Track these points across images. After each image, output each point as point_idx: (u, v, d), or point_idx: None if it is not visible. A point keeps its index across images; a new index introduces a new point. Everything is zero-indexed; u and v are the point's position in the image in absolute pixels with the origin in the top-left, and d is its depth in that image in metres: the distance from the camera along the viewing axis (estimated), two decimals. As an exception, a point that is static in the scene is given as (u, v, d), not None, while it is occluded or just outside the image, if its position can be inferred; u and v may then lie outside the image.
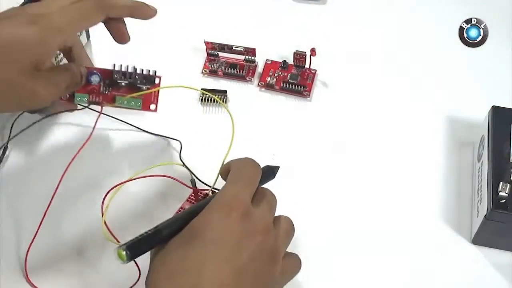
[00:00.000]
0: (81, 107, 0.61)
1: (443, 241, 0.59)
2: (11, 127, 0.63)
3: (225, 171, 0.52)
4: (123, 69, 0.60)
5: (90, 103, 0.60)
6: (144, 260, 0.49)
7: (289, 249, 0.57)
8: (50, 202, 0.57)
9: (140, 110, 0.61)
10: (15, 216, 0.59)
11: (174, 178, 0.57)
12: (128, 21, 0.60)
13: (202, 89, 0.66)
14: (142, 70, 0.60)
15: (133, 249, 0.45)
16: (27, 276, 0.55)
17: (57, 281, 0.55)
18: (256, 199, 0.50)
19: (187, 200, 0.59)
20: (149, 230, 0.47)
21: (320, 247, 0.58)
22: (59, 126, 0.64)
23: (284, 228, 0.51)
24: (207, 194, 0.57)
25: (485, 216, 0.55)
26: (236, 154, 0.62)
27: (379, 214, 0.60)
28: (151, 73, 0.60)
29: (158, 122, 0.64)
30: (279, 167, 0.54)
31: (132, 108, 0.61)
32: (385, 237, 0.59)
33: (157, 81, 0.60)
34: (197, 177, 0.59)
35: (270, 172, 0.54)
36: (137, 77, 0.60)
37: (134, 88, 0.60)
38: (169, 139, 0.64)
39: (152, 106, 0.61)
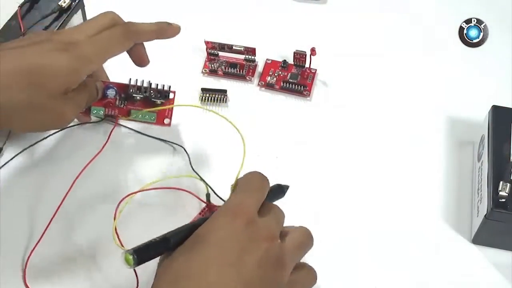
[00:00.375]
0: (97, 119, 0.63)
1: (443, 240, 0.59)
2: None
3: (235, 185, 0.52)
4: (138, 84, 0.62)
5: (106, 116, 0.63)
6: (143, 269, 0.50)
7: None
8: (58, 208, 0.57)
9: (154, 124, 0.64)
10: (23, 221, 0.58)
11: (189, 192, 0.59)
12: (131, 16, 0.61)
13: (202, 88, 0.67)
14: (157, 84, 0.63)
15: (140, 254, 0.46)
16: (25, 281, 0.55)
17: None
18: (262, 211, 0.50)
19: (200, 214, 0.59)
20: (157, 237, 0.47)
21: (320, 246, 0.58)
22: (75, 136, 0.64)
23: (295, 239, 0.50)
24: None
25: (485, 216, 0.55)
26: (236, 152, 0.62)
27: (379, 213, 0.60)
28: (165, 88, 0.63)
29: (167, 131, 0.64)
30: (288, 186, 0.54)
31: (146, 122, 0.64)
32: (385, 237, 0.59)
33: (171, 96, 0.63)
34: (214, 192, 0.58)
35: (279, 190, 0.54)
36: (152, 92, 0.63)
37: (149, 102, 0.63)
38: (176, 145, 0.63)
39: (166, 121, 0.64)
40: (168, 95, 0.63)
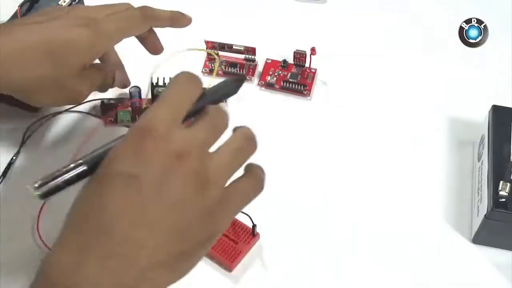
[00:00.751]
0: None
1: (443, 240, 0.59)
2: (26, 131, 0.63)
3: None
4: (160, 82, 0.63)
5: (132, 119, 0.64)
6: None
7: (288, 244, 0.57)
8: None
9: None
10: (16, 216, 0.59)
11: None
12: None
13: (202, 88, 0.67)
14: None
15: (46, 187, 0.41)
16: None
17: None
18: (194, 120, 0.43)
19: None
20: (71, 164, 0.42)
21: (320, 246, 0.58)
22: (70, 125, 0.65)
23: (229, 145, 0.44)
24: None
25: (485, 216, 0.55)
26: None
27: (378, 213, 0.60)
28: None
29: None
30: (243, 78, 0.48)
31: None
32: (385, 237, 0.59)
33: None
34: None
35: (230, 85, 0.47)
36: None
37: None
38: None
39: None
40: None
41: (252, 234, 0.57)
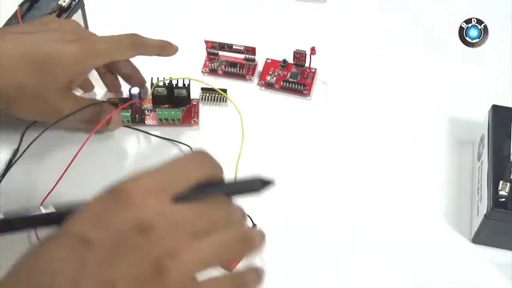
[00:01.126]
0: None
1: (443, 240, 0.59)
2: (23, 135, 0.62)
3: None
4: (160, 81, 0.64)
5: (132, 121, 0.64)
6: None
7: (288, 244, 0.57)
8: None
9: (181, 124, 0.64)
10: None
11: None
12: (131, 15, 0.61)
13: (202, 88, 0.67)
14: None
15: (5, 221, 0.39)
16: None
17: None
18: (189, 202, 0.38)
19: None
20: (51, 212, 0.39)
21: (320, 246, 0.58)
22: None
23: (216, 239, 0.37)
24: None
25: (485, 215, 0.55)
26: (236, 154, 0.62)
27: (378, 213, 0.60)
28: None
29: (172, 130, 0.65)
30: (271, 182, 0.41)
31: (172, 124, 0.64)
32: (385, 236, 0.59)
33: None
34: None
35: (254, 183, 0.40)
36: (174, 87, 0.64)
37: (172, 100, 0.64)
38: (182, 144, 0.63)
39: (194, 120, 0.65)
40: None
41: None
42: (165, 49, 0.62)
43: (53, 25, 0.58)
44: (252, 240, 0.39)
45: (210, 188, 0.39)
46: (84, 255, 0.35)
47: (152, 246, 0.35)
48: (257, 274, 0.40)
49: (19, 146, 0.60)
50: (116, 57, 0.60)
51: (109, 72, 0.64)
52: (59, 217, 0.38)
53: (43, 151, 0.62)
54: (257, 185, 0.40)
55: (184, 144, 0.63)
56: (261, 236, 0.40)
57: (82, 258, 0.35)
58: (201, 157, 0.40)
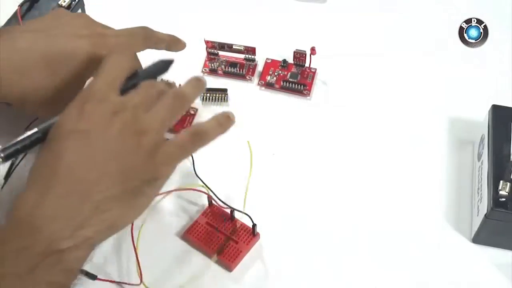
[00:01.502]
0: None
1: (444, 240, 0.59)
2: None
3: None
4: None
5: None
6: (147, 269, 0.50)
7: (288, 244, 0.57)
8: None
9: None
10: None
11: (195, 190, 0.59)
12: (131, 15, 0.60)
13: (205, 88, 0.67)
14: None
15: (8, 150, 0.49)
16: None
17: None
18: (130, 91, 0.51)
19: (202, 214, 0.59)
20: (28, 132, 0.50)
21: (319, 246, 0.58)
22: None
23: (162, 105, 0.50)
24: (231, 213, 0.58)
25: (485, 215, 0.55)
26: (235, 154, 0.62)
27: (379, 213, 0.60)
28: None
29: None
30: (172, 60, 0.54)
31: None
32: (385, 236, 0.59)
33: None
34: (217, 197, 0.58)
35: (160, 65, 0.54)
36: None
37: None
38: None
39: None
40: None
41: (252, 234, 0.57)
42: (174, 43, 0.62)
43: (65, 19, 0.58)
44: (182, 93, 0.52)
45: (134, 78, 0.53)
46: (87, 139, 0.47)
47: (127, 121, 0.48)
48: (192, 84, 0.53)
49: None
50: (130, 52, 0.59)
51: None
52: (44, 134, 0.49)
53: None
54: (162, 65, 0.55)
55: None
56: (191, 86, 0.53)
57: (86, 141, 0.47)
58: (122, 51, 0.54)
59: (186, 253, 0.57)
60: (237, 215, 0.58)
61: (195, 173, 0.60)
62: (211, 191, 0.58)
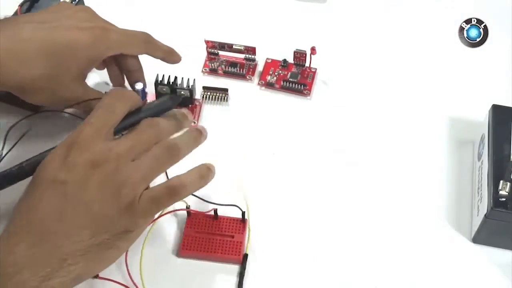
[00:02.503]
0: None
1: (444, 240, 0.59)
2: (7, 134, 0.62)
3: None
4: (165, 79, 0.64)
5: None
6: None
7: (289, 244, 0.57)
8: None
9: None
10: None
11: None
12: (131, 15, 0.60)
13: (203, 87, 0.67)
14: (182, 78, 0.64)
15: None
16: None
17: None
18: (125, 134, 0.50)
19: (187, 227, 0.58)
20: (14, 166, 0.50)
21: (319, 246, 0.58)
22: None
23: (149, 156, 0.49)
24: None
25: (485, 215, 0.55)
26: (236, 153, 0.62)
27: (379, 213, 0.60)
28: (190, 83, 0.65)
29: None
30: (180, 96, 0.54)
31: None
32: (386, 236, 0.59)
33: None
34: (200, 198, 0.58)
35: (166, 101, 0.53)
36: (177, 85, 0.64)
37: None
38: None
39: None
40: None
41: (242, 222, 0.58)
42: (171, 54, 0.63)
43: (68, 12, 0.58)
44: (176, 146, 0.50)
45: (134, 116, 0.51)
46: (64, 190, 0.46)
47: (107, 173, 0.47)
48: (191, 136, 0.52)
49: (2, 147, 0.60)
50: (127, 51, 0.61)
51: (115, 65, 0.64)
52: (30, 169, 0.49)
53: (27, 150, 0.61)
54: (168, 102, 0.53)
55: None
56: (189, 139, 0.52)
57: (63, 192, 0.46)
58: (120, 93, 0.52)
59: (191, 267, 0.57)
60: (220, 210, 0.58)
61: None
62: (193, 195, 0.57)
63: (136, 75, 0.63)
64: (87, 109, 0.60)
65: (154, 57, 0.62)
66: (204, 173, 0.51)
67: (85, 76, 0.60)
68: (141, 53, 0.62)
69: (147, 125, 0.50)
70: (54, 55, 0.56)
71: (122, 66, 0.63)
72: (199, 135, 0.53)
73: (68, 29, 0.57)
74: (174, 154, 0.50)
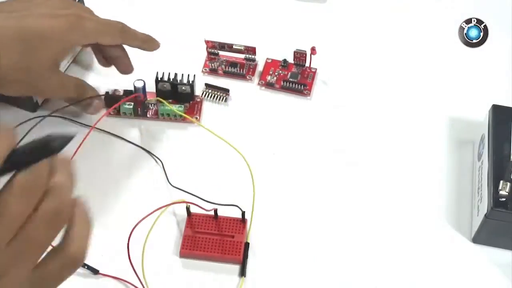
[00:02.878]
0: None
1: (444, 240, 0.59)
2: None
3: None
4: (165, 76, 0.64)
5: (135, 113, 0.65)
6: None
7: (289, 244, 0.57)
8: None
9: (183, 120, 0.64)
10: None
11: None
12: (130, 15, 0.60)
13: (206, 84, 0.67)
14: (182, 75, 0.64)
15: None
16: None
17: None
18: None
19: (187, 227, 0.58)
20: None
21: (319, 246, 0.58)
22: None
23: (25, 237, 0.34)
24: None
25: (485, 215, 0.55)
26: (236, 153, 0.62)
27: (379, 213, 0.60)
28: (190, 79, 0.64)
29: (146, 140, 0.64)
30: (72, 136, 0.34)
31: (174, 120, 0.64)
32: (385, 236, 0.59)
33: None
34: (201, 199, 0.58)
35: (51, 142, 0.34)
36: (177, 82, 0.64)
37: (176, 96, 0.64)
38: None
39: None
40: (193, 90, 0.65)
41: (242, 222, 0.58)
42: (147, 42, 0.62)
43: (38, 1, 0.57)
44: (58, 211, 0.35)
45: (5, 165, 0.33)
46: None
47: None
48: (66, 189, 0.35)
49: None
50: (103, 41, 0.60)
51: (98, 53, 0.63)
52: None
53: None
54: (53, 144, 0.34)
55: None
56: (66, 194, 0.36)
57: None
58: None
59: (191, 267, 0.57)
60: (220, 210, 0.58)
61: (171, 184, 0.60)
62: (195, 195, 0.58)
63: (121, 61, 0.62)
64: (66, 98, 0.61)
65: (131, 46, 0.61)
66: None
67: (59, 65, 0.59)
68: (117, 43, 0.61)
69: (16, 191, 0.34)
70: (25, 43, 0.54)
71: (104, 54, 0.63)
72: (69, 184, 0.36)
73: (40, 17, 0.55)
74: (57, 222, 0.35)
